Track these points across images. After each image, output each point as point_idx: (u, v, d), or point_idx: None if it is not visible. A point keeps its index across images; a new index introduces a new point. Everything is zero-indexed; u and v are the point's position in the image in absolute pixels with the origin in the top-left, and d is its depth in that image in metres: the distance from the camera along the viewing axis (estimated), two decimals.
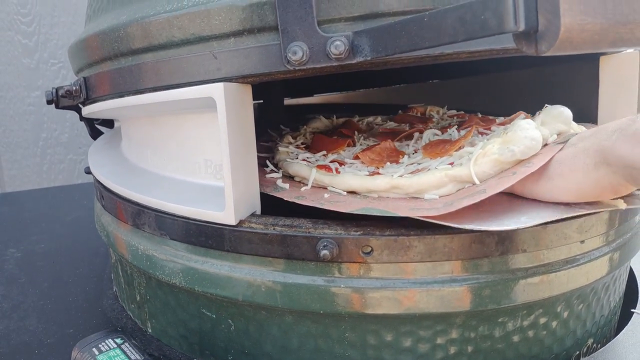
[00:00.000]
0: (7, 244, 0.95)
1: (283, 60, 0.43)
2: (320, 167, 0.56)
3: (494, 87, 0.92)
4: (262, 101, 1.01)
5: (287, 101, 1.10)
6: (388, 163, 0.56)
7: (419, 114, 0.84)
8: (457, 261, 0.45)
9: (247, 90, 0.48)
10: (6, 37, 1.34)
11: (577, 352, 0.53)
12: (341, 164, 0.58)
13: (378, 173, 0.52)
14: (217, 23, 0.44)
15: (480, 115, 0.72)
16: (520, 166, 0.46)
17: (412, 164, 0.55)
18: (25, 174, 1.42)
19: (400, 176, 0.49)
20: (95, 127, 0.80)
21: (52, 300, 0.72)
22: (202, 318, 0.53)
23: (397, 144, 0.64)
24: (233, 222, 0.47)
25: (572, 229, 0.47)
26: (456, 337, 0.47)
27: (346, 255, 0.45)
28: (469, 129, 0.59)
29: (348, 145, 0.66)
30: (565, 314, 0.51)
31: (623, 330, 0.57)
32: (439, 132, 0.65)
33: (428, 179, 0.47)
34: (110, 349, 0.49)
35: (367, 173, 0.53)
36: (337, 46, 0.41)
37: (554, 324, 0.50)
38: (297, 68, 0.43)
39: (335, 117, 0.85)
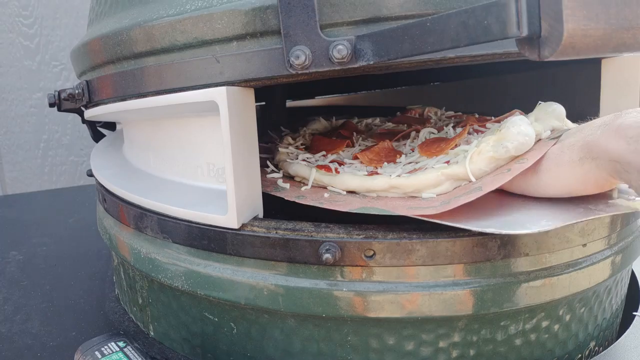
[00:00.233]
0: (9, 246, 0.96)
1: (286, 64, 0.43)
2: (320, 167, 0.57)
3: (495, 89, 0.92)
4: (263, 103, 1.02)
5: (289, 103, 1.10)
6: (386, 163, 0.57)
7: (417, 116, 0.85)
8: (460, 265, 0.45)
9: (249, 94, 0.48)
10: (8, 39, 1.35)
11: (579, 355, 0.53)
12: (340, 164, 0.59)
13: (377, 173, 0.53)
14: (219, 27, 0.45)
15: (477, 116, 0.72)
16: (515, 162, 0.47)
17: (409, 163, 0.56)
18: (26, 176, 1.42)
19: (398, 176, 0.50)
20: (97, 130, 0.80)
21: (55, 303, 0.72)
22: (205, 321, 0.53)
23: (394, 144, 0.65)
24: (235, 225, 0.47)
25: (574, 232, 0.47)
26: (458, 341, 0.47)
27: (349, 258, 0.45)
28: (464, 127, 0.59)
29: (347, 146, 0.67)
30: (568, 317, 0.51)
31: (625, 333, 0.57)
32: (434, 131, 0.66)
33: (425, 178, 0.48)
34: (113, 352, 0.50)
35: (366, 173, 0.54)
36: (340, 50, 0.41)
37: (556, 327, 0.50)
38: (299, 72, 0.43)
39: (334, 118, 0.86)
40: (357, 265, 0.45)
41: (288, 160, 0.61)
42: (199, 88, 0.47)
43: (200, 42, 0.46)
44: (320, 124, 0.82)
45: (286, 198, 0.51)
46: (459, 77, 0.93)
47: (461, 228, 0.42)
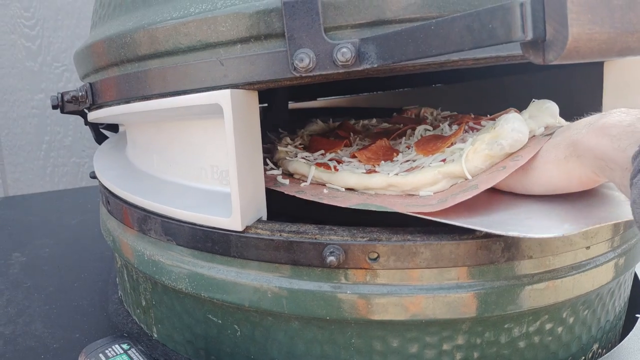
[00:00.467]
0: (12, 248, 0.96)
1: (290, 67, 0.43)
2: (319, 164, 0.58)
3: (497, 91, 0.92)
4: (266, 105, 1.02)
5: (291, 105, 1.10)
6: (383, 161, 0.58)
7: (413, 116, 0.87)
8: (464, 267, 0.45)
9: (253, 96, 0.48)
10: (10, 40, 1.35)
11: (583, 358, 0.53)
12: (339, 162, 0.60)
13: (374, 171, 0.54)
14: (223, 30, 0.45)
15: (473, 116, 0.73)
16: (510, 160, 0.48)
17: (406, 161, 0.56)
18: (28, 177, 1.42)
19: (396, 174, 0.51)
20: (100, 132, 0.80)
21: (58, 305, 0.72)
22: (208, 323, 0.53)
23: (391, 142, 0.66)
24: (239, 228, 0.47)
25: (577, 235, 0.47)
26: (462, 343, 0.47)
27: (353, 261, 0.45)
28: (460, 124, 0.60)
29: (345, 146, 0.68)
30: (571, 320, 0.51)
31: (628, 336, 0.57)
32: (430, 128, 0.67)
33: (423, 176, 0.49)
34: (117, 354, 0.50)
35: (364, 171, 0.55)
36: (344, 53, 0.41)
37: (560, 329, 0.50)
38: (303, 75, 0.43)
39: (331, 120, 0.87)
40: (361, 268, 0.45)
41: (287, 158, 0.62)
42: (203, 91, 0.47)
43: (205, 45, 0.46)
44: (317, 125, 0.84)
45: (286, 192, 0.52)
46: (461, 78, 0.93)
47: (474, 229, 0.42)
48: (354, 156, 0.61)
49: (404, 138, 0.68)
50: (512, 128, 0.48)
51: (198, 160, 0.54)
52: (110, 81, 0.56)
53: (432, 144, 0.57)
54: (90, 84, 0.62)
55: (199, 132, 0.54)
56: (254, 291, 0.48)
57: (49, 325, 0.67)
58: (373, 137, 0.71)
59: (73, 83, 1.42)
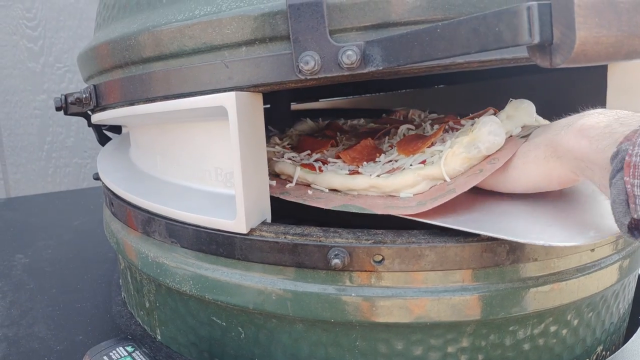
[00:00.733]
0: (15, 249, 0.96)
1: (295, 70, 0.43)
2: (304, 165, 0.59)
3: (500, 92, 0.92)
4: (268, 106, 1.02)
5: (293, 106, 1.10)
6: (365, 162, 0.59)
7: (401, 117, 0.88)
8: (468, 270, 0.45)
9: (258, 99, 0.48)
10: (12, 41, 1.35)
11: None
12: (324, 162, 0.61)
13: (357, 172, 0.55)
14: (228, 32, 0.45)
15: (459, 117, 0.74)
16: (487, 162, 0.49)
17: (388, 161, 0.58)
18: (30, 178, 1.42)
19: (378, 176, 0.53)
20: (103, 134, 0.80)
21: (61, 307, 0.72)
22: (212, 325, 0.53)
23: (376, 142, 0.68)
24: (244, 230, 0.47)
25: None
26: (467, 346, 0.47)
27: (357, 264, 0.45)
28: (440, 125, 0.62)
29: (331, 145, 0.70)
30: (576, 322, 0.51)
31: (632, 338, 0.57)
32: (412, 127, 0.70)
33: (403, 178, 0.51)
34: (121, 357, 0.50)
35: (348, 172, 0.56)
36: (349, 56, 0.41)
37: (564, 332, 0.50)
38: (308, 77, 0.43)
39: (320, 119, 0.89)
40: (365, 271, 0.45)
41: (274, 158, 0.63)
42: (207, 93, 0.47)
43: (209, 47, 0.46)
44: (307, 124, 0.86)
45: (271, 194, 0.53)
46: (465, 79, 0.93)
47: (486, 234, 0.43)
48: (338, 156, 0.63)
49: (387, 137, 0.70)
50: (488, 131, 0.49)
51: (202, 163, 0.54)
52: (114, 83, 0.56)
53: (413, 144, 0.58)
54: (94, 85, 0.62)
55: (203, 134, 0.54)
56: (258, 293, 0.48)
57: (52, 327, 0.67)
58: (359, 136, 0.73)
59: (75, 84, 1.42)
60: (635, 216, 0.34)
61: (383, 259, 0.44)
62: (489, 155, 0.50)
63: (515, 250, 0.44)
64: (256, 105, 0.48)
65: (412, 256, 0.44)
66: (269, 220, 0.51)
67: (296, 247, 0.46)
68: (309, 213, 0.53)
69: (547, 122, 0.57)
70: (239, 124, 0.45)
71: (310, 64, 0.42)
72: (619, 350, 0.55)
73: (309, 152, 0.66)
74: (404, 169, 0.52)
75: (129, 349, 0.51)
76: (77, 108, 0.66)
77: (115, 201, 0.63)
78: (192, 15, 0.46)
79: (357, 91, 1.14)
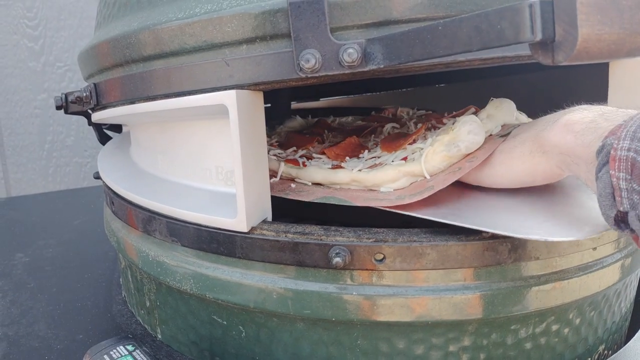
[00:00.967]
0: (15, 248, 0.96)
1: (295, 68, 0.43)
2: (288, 161, 0.60)
3: (501, 90, 0.92)
4: (269, 105, 1.01)
5: (293, 105, 1.10)
6: (348, 158, 0.60)
7: (390, 115, 0.90)
8: (470, 269, 0.44)
9: (258, 97, 0.48)
10: (12, 40, 1.35)
11: (589, 359, 0.53)
12: (309, 158, 0.62)
13: (340, 167, 0.56)
14: (229, 30, 0.44)
15: (447, 114, 0.76)
16: (466, 160, 0.50)
17: (371, 157, 0.59)
18: (30, 177, 1.42)
19: (360, 170, 0.54)
20: (104, 132, 0.80)
21: (61, 306, 0.72)
22: (213, 324, 0.53)
23: (362, 139, 0.69)
24: (245, 229, 0.47)
25: None
26: (468, 345, 0.47)
27: (358, 262, 0.45)
28: (423, 123, 0.64)
29: (318, 142, 0.71)
30: (578, 321, 0.50)
31: (634, 337, 0.57)
32: (397, 125, 0.71)
33: (384, 173, 0.52)
34: (121, 355, 0.49)
35: (331, 167, 0.57)
36: (350, 54, 0.41)
37: (566, 331, 0.50)
38: (309, 75, 0.43)
39: (310, 116, 0.90)
40: (366, 269, 0.45)
41: None
42: (208, 91, 0.47)
43: (210, 45, 0.46)
44: (296, 121, 0.87)
45: None
46: (465, 78, 0.93)
47: (483, 230, 0.43)
48: (323, 152, 0.64)
49: (373, 135, 0.71)
50: (468, 130, 0.50)
51: (203, 161, 0.54)
52: (115, 82, 0.56)
53: (396, 141, 0.59)
54: (94, 84, 0.62)
55: (204, 132, 0.53)
56: (259, 292, 0.48)
57: (52, 326, 0.66)
58: (346, 134, 0.74)
59: (76, 83, 1.42)
60: (621, 209, 0.35)
61: (384, 257, 0.44)
62: (468, 154, 0.51)
63: (517, 249, 0.44)
64: (257, 103, 0.47)
65: (413, 255, 0.44)
66: (269, 218, 0.50)
67: (297, 246, 0.46)
68: (310, 212, 0.53)
69: (528, 120, 0.59)
70: (240, 122, 0.45)
71: (311, 62, 0.42)
72: (621, 350, 0.55)
73: (294, 148, 0.67)
74: (385, 164, 0.54)
75: (130, 347, 0.51)
76: (78, 107, 0.66)
77: (116, 200, 0.63)
78: (193, 13, 0.46)
79: (357, 90, 1.14)
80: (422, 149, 0.53)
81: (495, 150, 0.49)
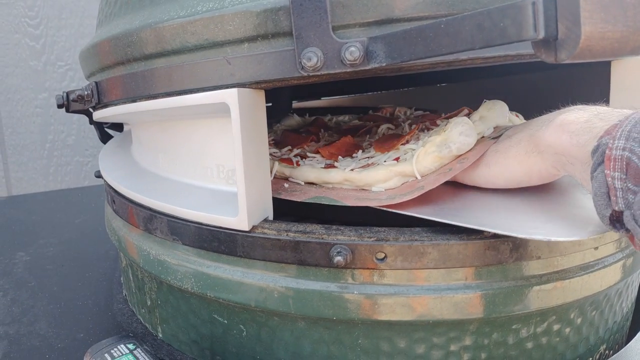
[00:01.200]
0: (16, 247, 0.96)
1: (297, 66, 0.43)
2: (282, 160, 0.60)
3: (502, 90, 0.92)
4: (270, 104, 1.01)
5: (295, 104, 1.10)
6: (341, 157, 0.61)
7: (387, 115, 0.90)
8: (471, 268, 0.44)
9: (260, 96, 0.48)
10: (14, 39, 1.35)
11: (590, 359, 0.53)
12: (304, 157, 0.63)
13: (333, 166, 0.57)
14: (231, 29, 0.44)
15: (443, 115, 0.76)
16: (457, 162, 0.51)
17: (365, 157, 0.59)
18: (31, 176, 1.42)
19: (352, 170, 0.54)
20: (105, 131, 0.80)
21: (62, 305, 0.72)
22: (214, 323, 0.53)
23: (357, 139, 0.70)
24: (246, 227, 0.47)
25: None
26: (470, 344, 0.47)
27: (360, 261, 0.45)
28: (417, 124, 0.65)
29: (313, 141, 0.71)
30: (579, 321, 0.50)
31: (635, 337, 0.57)
32: (392, 127, 0.72)
33: (376, 173, 0.52)
34: (122, 354, 0.49)
35: (324, 166, 0.57)
36: (352, 52, 0.41)
37: (568, 330, 0.50)
38: (311, 74, 0.43)
39: (307, 115, 0.91)
40: (368, 268, 0.45)
41: None
42: (209, 90, 0.47)
43: (211, 43, 0.46)
44: (293, 120, 0.87)
45: None
46: (468, 77, 0.93)
47: (483, 230, 0.43)
48: (318, 152, 0.64)
49: (368, 136, 0.72)
50: (460, 132, 0.51)
51: (204, 160, 0.54)
52: (116, 80, 0.56)
53: (389, 142, 0.60)
54: (95, 82, 0.62)
55: (205, 131, 0.53)
56: (260, 291, 0.48)
57: (53, 324, 0.66)
58: (341, 133, 0.74)
59: (77, 82, 1.42)
60: (616, 208, 0.35)
61: (385, 256, 0.44)
62: (460, 155, 0.51)
63: (518, 248, 0.44)
64: (258, 101, 0.47)
65: (414, 254, 0.44)
66: (270, 217, 0.50)
67: (298, 245, 0.46)
68: (311, 211, 0.53)
69: (522, 121, 0.60)
70: (241, 120, 0.45)
71: (312, 60, 0.42)
72: (622, 349, 0.55)
73: (289, 147, 0.67)
74: (377, 164, 0.54)
75: (131, 346, 0.51)
76: (79, 105, 0.66)
77: (117, 199, 0.63)
78: (195, 12, 0.46)
79: (358, 89, 1.14)
80: (414, 149, 0.54)
81: (491, 151, 0.49)
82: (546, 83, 0.84)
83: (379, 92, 1.15)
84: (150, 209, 0.56)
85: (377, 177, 0.52)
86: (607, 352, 0.55)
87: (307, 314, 0.47)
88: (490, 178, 0.49)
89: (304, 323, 0.48)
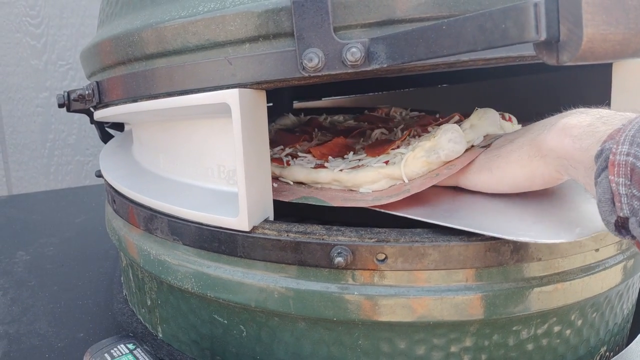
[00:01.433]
0: (16, 246, 0.96)
1: (298, 67, 0.43)
2: (273, 160, 0.61)
3: (505, 91, 0.92)
4: (271, 104, 1.01)
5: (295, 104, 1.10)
6: (331, 157, 0.61)
7: (383, 115, 0.90)
8: (472, 269, 0.44)
9: (261, 96, 0.48)
10: (15, 38, 1.35)
11: None
12: (295, 157, 0.63)
13: (323, 166, 0.57)
14: (232, 29, 0.44)
15: (437, 116, 0.77)
16: (445, 168, 0.51)
17: (356, 159, 0.60)
18: (32, 176, 1.42)
19: (341, 170, 0.55)
20: (106, 131, 0.80)
21: (62, 304, 0.72)
22: (214, 323, 0.53)
23: (351, 140, 0.70)
24: (247, 228, 0.47)
25: (588, 237, 0.46)
26: (470, 346, 0.47)
27: (360, 262, 0.45)
28: (409, 130, 0.65)
29: (305, 141, 0.71)
30: (579, 323, 0.50)
31: (636, 339, 0.57)
32: (385, 132, 0.72)
33: (364, 175, 0.53)
34: (122, 354, 0.49)
35: (314, 166, 0.58)
36: (353, 53, 0.41)
37: (568, 332, 0.50)
38: (312, 75, 0.43)
39: (302, 114, 0.91)
40: (368, 269, 0.45)
41: None
42: (210, 90, 0.47)
43: (213, 43, 0.46)
44: (288, 119, 0.87)
45: None
46: (469, 79, 0.93)
47: (480, 233, 0.43)
48: (309, 151, 0.64)
49: (362, 139, 0.72)
50: (449, 139, 0.51)
51: (205, 160, 0.54)
52: (117, 80, 0.56)
53: (380, 147, 0.60)
54: (96, 82, 0.62)
55: (206, 131, 0.53)
56: (261, 291, 0.48)
57: (53, 324, 0.66)
58: (335, 133, 0.74)
59: (78, 81, 1.42)
60: (620, 214, 0.35)
61: (386, 257, 0.44)
62: (448, 162, 0.51)
63: (519, 250, 0.44)
64: (259, 102, 0.47)
65: (415, 255, 0.44)
66: (271, 218, 0.50)
67: (299, 245, 0.46)
68: (312, 211, 0.53)
69: (514, 129, 0.60)
70: (242, 121, 0.45)
71: (314, 61, 0.42)
72: (623, 351, 0.55)
73: (282, 147, 0.68)
74: (367, 166, 0.55)
75: (131, 346, 0.51)
76: (80, 105, 0.66)
77: (118, 198, 0.63)
78: (196, 12, 0.46)
79: (359, 90, 1.14)
80: (403, 154, 0.54)
81: (493, 155, 0.49)
82: (547, 85, 0.84)
83: (380, 93, 1.15)
84: (150, 209, 0.56)
85: (365, 178, 0.53)
86: (607, 354, 0.55)
87: (307, 314, 0.47)
88: (492, 183, 0.49)
89: (304, 324, 0.48)
